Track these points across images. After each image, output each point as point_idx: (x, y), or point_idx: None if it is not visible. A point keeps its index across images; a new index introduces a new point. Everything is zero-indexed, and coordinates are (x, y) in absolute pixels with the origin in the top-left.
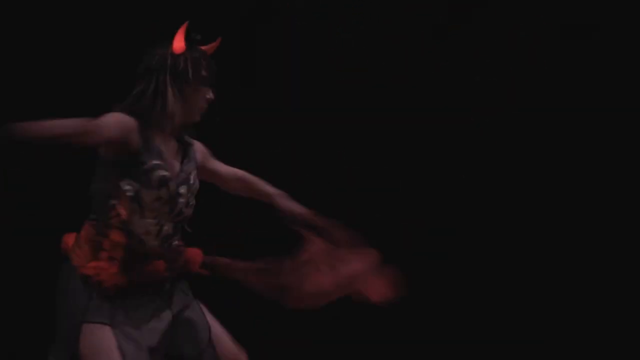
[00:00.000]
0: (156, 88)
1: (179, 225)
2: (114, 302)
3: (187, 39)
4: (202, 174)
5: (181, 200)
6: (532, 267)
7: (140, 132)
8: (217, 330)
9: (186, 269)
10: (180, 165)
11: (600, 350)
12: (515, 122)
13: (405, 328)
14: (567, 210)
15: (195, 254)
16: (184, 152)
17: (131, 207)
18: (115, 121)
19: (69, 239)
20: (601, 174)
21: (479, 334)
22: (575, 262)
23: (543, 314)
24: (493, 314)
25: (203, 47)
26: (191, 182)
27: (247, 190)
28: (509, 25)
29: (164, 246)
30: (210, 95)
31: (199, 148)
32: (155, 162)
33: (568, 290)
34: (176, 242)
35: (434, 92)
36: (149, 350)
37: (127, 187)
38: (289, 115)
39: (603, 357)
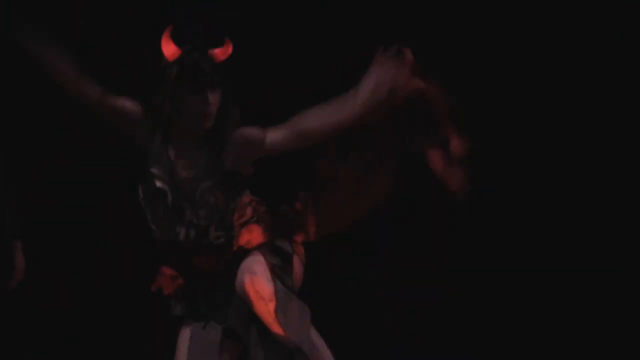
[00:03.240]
0: (161, 96)
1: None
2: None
3: (182, 43)
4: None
5: (183, 218)
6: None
7: (149, 130)
8: None
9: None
10: (196, 171)
11: (601, 351)
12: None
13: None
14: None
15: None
16: (209, 159)
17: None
18: (129, 101)
19: None
20: (602, 173)
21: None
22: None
23: (545, 315)
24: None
25: (214, 51)
26: (196, 198)
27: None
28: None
29: (199, 245)
30: (208, 101)
31: (240, 141)
32: (153, 169)
33: (569, 291)
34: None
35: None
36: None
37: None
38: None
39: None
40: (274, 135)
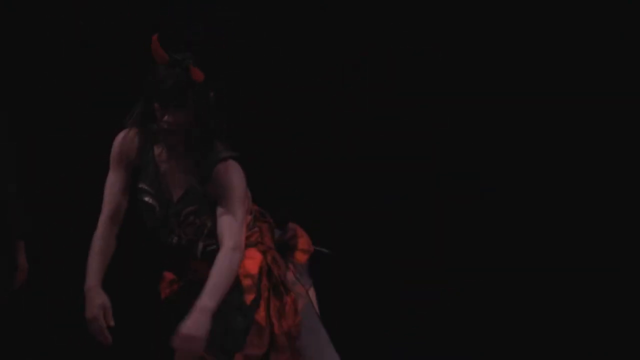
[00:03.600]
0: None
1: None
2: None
3: (173, 50)
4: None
5: (173, 229)
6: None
7: (140, 147)
8: None
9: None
10: (182, 194)
11: (601, 350)
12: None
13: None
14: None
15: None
16: (194, 185)
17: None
18: (112, 157)
19: None
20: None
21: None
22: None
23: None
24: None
25: (194, 69)
26: (181, 219)
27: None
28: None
29: (188, 255)
30: (164, 117)
31: (221, 175)
32: (142, 185)
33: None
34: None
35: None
36: None
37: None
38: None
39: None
40: (236, 209)
